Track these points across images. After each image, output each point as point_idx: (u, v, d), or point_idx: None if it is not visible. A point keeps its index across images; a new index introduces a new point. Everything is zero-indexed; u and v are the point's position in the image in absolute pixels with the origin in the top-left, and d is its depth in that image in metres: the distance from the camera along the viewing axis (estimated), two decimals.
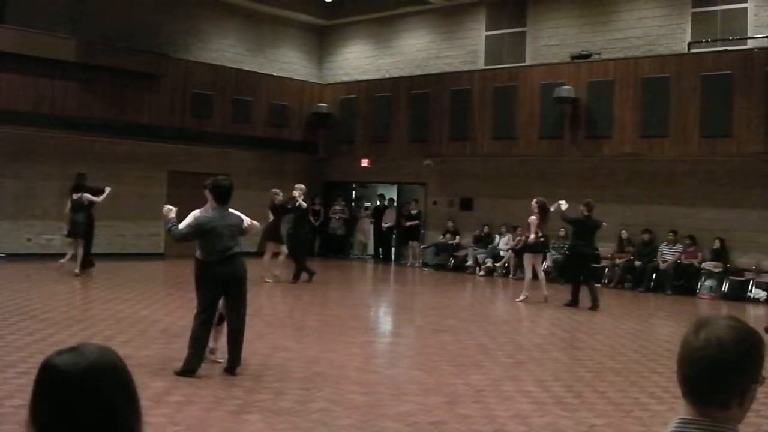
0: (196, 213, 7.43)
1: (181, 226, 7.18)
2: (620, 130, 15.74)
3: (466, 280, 17.35)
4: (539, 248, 13.67)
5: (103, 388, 1.51)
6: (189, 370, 6.98)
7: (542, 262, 14.12)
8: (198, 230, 7.09)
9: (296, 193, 14.60)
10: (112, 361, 1.56)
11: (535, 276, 13.53)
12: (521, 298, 13.36)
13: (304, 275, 14.80)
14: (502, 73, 18.02)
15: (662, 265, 15.44)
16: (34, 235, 16.86)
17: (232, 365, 7.16)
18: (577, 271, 13.27)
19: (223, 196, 7.22)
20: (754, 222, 15.06)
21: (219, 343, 7.56)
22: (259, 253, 14.86)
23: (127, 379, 1.57)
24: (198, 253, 7.40)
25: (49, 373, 1.52)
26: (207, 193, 7.48)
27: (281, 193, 14.81)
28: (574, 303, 12.89)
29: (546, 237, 13.68)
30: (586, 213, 13.06)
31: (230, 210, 7.35)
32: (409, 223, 19.78)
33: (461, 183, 19.39)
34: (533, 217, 13.35)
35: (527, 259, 13.69)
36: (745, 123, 14.18)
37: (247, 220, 7.49)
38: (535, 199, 13.51)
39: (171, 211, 7.14)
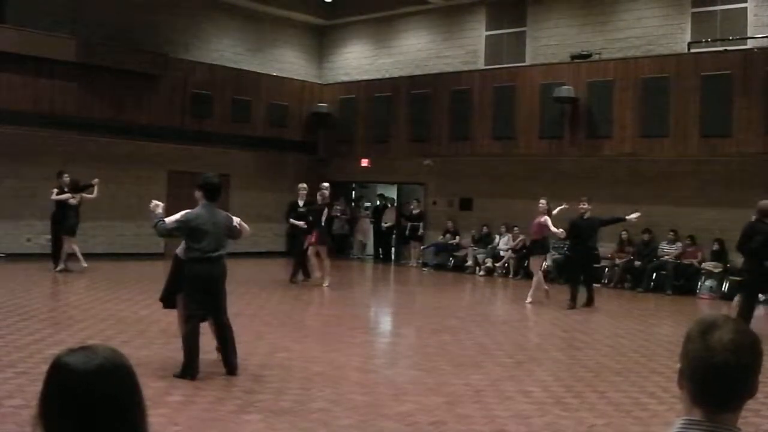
0: (184, 211, 7.43)
1: (168, 221, 7.14)
2: (620, 130, 15.74)
3: (466, 280, 17.35)
4: (545, 249, 13.72)
5: (115, 386, 1.55)
6: (190, 375, 6.94)
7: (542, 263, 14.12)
8: (185, 226, 6.98)
9: (303, 193, 14.56)
10: (121, 360, 1.60)
11: (530, 276, 13.53)
12: (530, 300, 13.29)
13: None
14: (502, 73, 18.02)
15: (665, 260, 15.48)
16: (34, 235, 16.85)
17: (232, 369, 7.15)
18: (589, 272, 13.30)
19: (212, 193, 7.12)
20: None
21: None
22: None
23: (134, 378, 1.61)
24: (179, 250, 7.36)
25: (61, 372, 1.54)
26: (199, 193, 7.45)
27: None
28: (590, 303, 12.98)
29: (546, 238, 13.63)
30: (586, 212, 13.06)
31: (218, 209, 7.27)
32: (410, 224, 19.77)
33: (461, 183, 19.39)
34: (547, 218, 13.15)
35: (538, 260, 13.63)
36: (745, 123, 14.18)
37: (236, 220, 7.36)
38: (544, 200, 13.34)
39: (158, 206, 7.08)
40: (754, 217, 10.49)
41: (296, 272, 14.64)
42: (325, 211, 14.10)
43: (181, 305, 7.21)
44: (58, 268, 14.35)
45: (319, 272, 14.30)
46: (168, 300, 7.51)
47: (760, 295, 10.75)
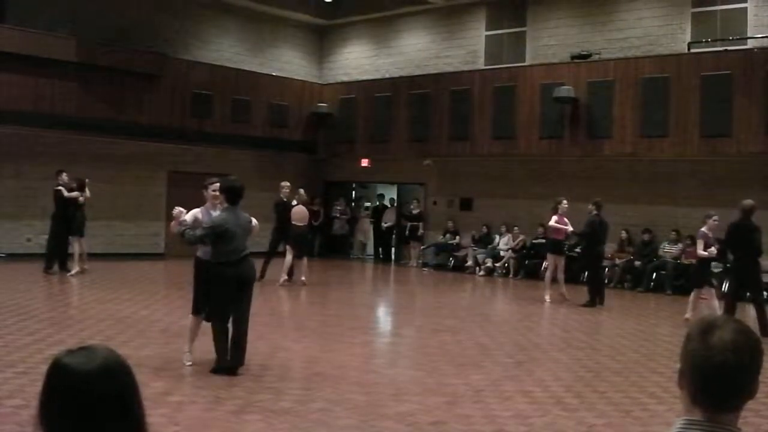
0: (196, 212, 7.44)
1: (188, 218, 7.20)
2: (620, 130, 15.74)
3: (466, 280, 17.35)
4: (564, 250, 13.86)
5: (115, 386, 1.56)
6: (230, 367, 7.05)
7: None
8: (214, 232, 7.07)
9: (286, 191, 14.73)
10: (121, 360, 1.61)
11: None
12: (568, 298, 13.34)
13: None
14: (502, 73, 18.02)
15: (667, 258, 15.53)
16: (34, 235, 16.84)
17: (236, 365, 7.17)
18: (597, 272, 13.36)
19: (236, 197, 7.25)
20: (753, 222, 15.01)
21: (195, 345, 7.53)
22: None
23: (133, 378, 1.62)
24: (203, 253, 7.39)
25: (61, 373, 1.54)
26: (208, 193, 7.50)
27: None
28: (593, 303, 12.91)
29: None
30: (596, 212, 13.08)
31: (240, 211, 7.37)
32: (410, 224, 19.77)
33: (461, 183, 19.38)
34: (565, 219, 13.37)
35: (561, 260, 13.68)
36: (745, 123, 14.17)
37: (253, 220, 7.55)
38: (565, 200, 13.48)
39: (182, 212, 7.14)
40: (716, 218, 10.82)
41: (291, 272, 14.60)
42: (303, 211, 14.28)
43: (216, 308, 7.19)
44: (72, 272, 14.18)
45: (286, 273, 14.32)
46: (202, 308, 7.44)
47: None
